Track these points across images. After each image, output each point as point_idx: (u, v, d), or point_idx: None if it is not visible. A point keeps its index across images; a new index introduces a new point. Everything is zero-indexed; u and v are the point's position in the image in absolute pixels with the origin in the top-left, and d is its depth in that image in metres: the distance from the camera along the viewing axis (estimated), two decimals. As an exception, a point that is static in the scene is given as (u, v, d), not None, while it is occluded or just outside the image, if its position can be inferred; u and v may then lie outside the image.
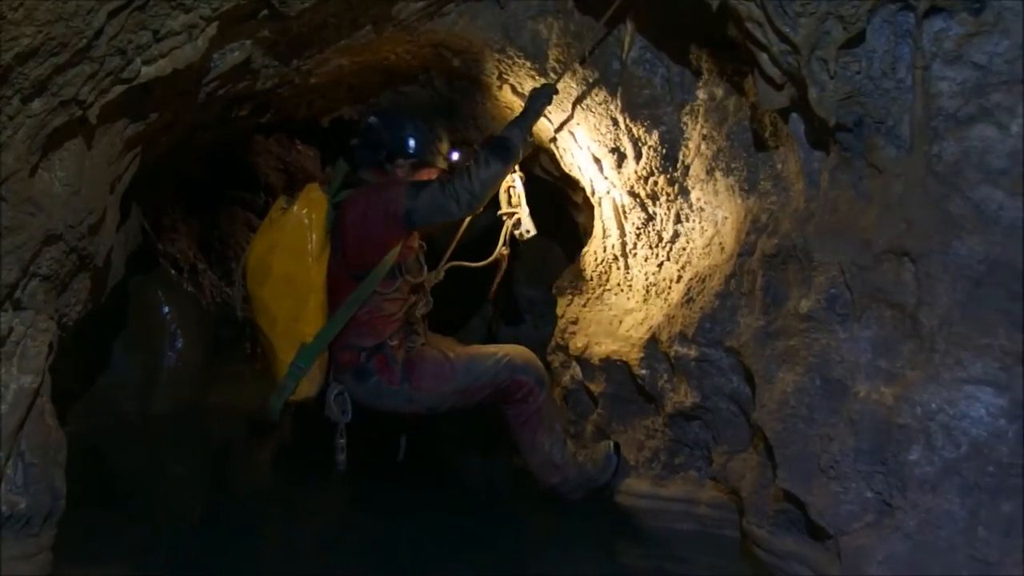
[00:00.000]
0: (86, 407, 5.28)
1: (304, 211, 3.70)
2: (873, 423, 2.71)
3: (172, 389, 5.94)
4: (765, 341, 3.16)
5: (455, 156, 4.12)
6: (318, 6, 3.23)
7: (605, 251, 4.26)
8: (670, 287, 3.80)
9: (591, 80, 3.83)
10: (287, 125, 5.34)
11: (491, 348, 4.07)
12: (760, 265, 3.23)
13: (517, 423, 3.94)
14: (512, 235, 4.18)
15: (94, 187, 3.13)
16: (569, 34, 3.75)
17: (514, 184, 4.10)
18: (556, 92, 3.82)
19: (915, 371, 2.64)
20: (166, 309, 6.01)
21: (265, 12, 3.15)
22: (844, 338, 2.85)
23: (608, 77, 3.75)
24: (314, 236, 3.69)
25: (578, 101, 3.96)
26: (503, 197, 4.12)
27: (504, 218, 4.17)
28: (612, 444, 3.92)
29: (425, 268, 3.98)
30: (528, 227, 4.11)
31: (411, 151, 3.90)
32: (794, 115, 3.06)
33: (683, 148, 3.68)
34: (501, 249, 4.19)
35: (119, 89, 2.88)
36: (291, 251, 3.68)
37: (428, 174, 3.90)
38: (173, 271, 6.29)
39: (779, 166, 3.28)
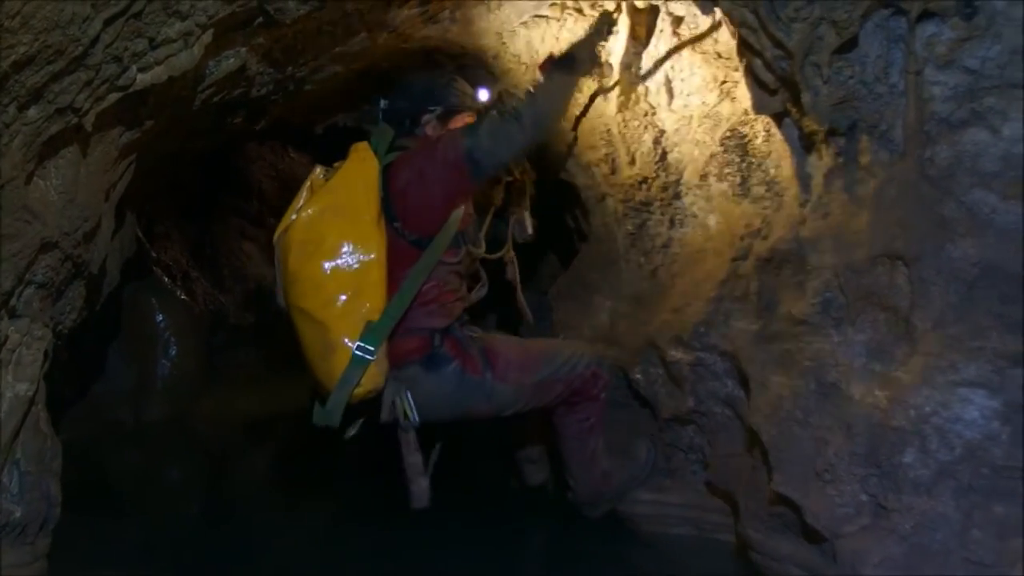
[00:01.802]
0: (80, 415, 5.27)
1: (357, 170, 3.19)
2: (868, 426, 2.72)
3: (166, 397, 5.94)
4: (760, 345, 3.17)
5: (483, 93, 3.70)
6: (313, 13, 3.24)
7: (600, 256, 4.27)
8: (664, 292, 3.81)
9: (585, 87, 3.84)
10: (281, 132, 5.35)
11: (559, 341, 3.76)
12: (754, 270, 3.24)
13: (583, 429, 3.54)
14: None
15: (89, 195, 3.13)
16: (561, 41, 3.76)
17: (522, 183, 3.74)
18: (615, 22, 3.50)
19: (909, 374, 2.66)
20: (160, 317, 6.01)
21: (260, 20, 3.16)
22: (838, 341, 2.87)
23: (603, 83, 3.76)
24: (371, 197, 3.12)
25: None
26: (511, 196, 3.73)
27: (509, 217, 3.77)
28: (648, 439, 3.73)
29: (483, 242, 3.49)
30: (528, 228, 3.75)
31: (430, 101, 3.44)
32: (787, 120, 3.08)
33: (676, 154, 3.70)
34: (508, 254, 3.75)
35: (115, 96, 2.88)
36: (348, 215, 3.10)
37: (461, 120, 3.45)
38: (167, 279, 6.29)
39: (772, 171, 3.30)
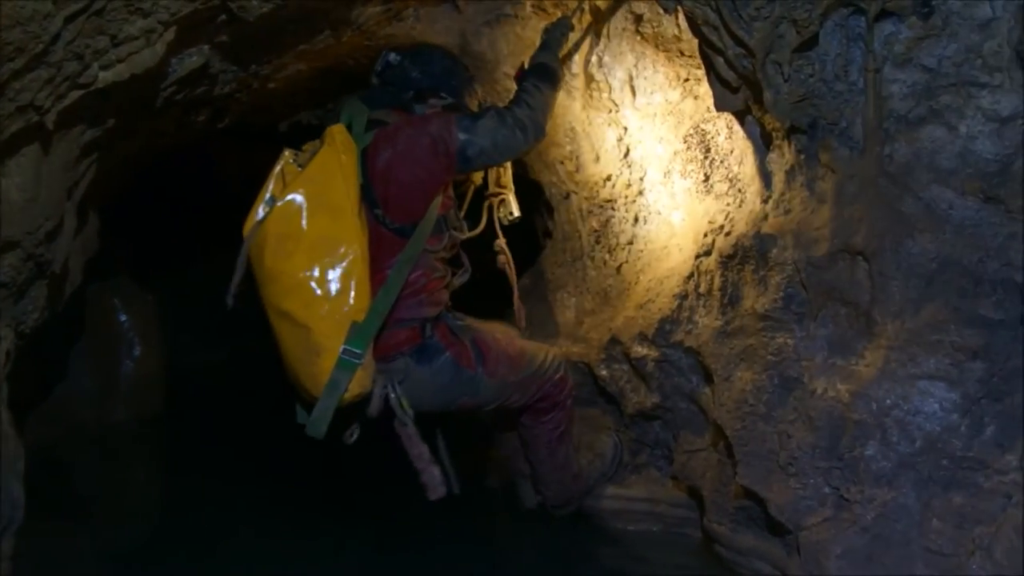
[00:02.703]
0: (43, 417, 5.20)
1: (334, 157, 2.93)
2: (830, 420, 2.76)
3: (130, 397, 5.88)
4: (723, 341, 3.20)
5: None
6: (276, 11, 3.23)
7: (565, 253, 4.28)
8: (629, 289, 3.83)
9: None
10: (246, 130, 5.32)
11: (536, 342, 3.59)
12: (717, 266, 3.27)
13: (554, 438, 3.45)
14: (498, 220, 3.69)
15: (52, 193, 3.10)
16: (524, 41, 3.77)
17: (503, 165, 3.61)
18: (572, 28, 3.47)
19: (870, 368, 2.70)
20: (123, 317, 5.95)
21: (223, 17, 3.15)
22: (801, 336, 2.90)
23: (567, 81, 3.77)
24: (350, 186, 2.91)
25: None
26: (491, 176, 3.61)
27: (491, 199, 3.65)
28: (614, 434, 3.70)
29: (465, 225, 3.34)
30: (513, 209, 3.63)
31: (447, 88, 3.26)
32: (749, 118, 3.11)
33: (640, 151, 3.72)
34: (499, 242, 3.65)
35: (76, 95, 2.85)
36: (327, 208, 2.88)
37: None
38: (130, 278, 6.23)
39: (735, 168, 3.32)
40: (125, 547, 3.90)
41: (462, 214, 3.44)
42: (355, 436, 3.09)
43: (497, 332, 3.37)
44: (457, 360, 3.12)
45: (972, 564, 2.44)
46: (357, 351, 2.85)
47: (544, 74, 3.27)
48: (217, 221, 7.89)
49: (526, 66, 3.37)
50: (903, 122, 2.68)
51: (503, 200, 3.62)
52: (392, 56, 3.24)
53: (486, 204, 3.64)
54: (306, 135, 4.02)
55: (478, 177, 3.56)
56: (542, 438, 3.46)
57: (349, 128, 3.05)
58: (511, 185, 3.63)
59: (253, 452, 5.25)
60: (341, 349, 2.84)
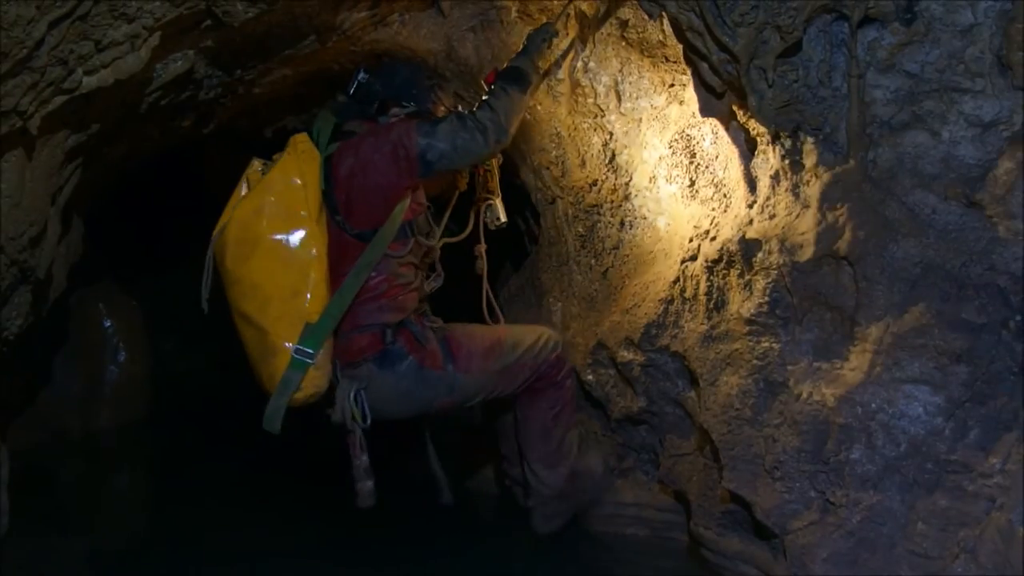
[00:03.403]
0: (27, 422, 5.19)
1: (294, 165, 3.03)
2: (815, 424, 2.76)
3: (115, 403, 5.87)
4: (709, 345, 3.21)
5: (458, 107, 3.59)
6: (261, 16, 3.23)
7: (551, 258, 4.28)
8: (615, 294, 3.83)
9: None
10: (231, 136, 5.31)
11: (524, 326, 3.56)
12: (703, 270, 3.27)
13: (548, 418, 3.37)
14: (484, 224, 3.70)
15: (35, 199, 3.09)
16: (509, 46, 3.77)
17: (490, 167, 3.65)
18: (556, 34, 3.48)
19: (855, 372, 2.70)
20: (108, 322, 5.94)
21: (208, 22, 3.15)
22: (786, 341, 2.91)
23: (552, 86, 3.78)
24: (310, 193, 2.99)
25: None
26: (478, 181, 3.65)
27: (479, 203, 3.68)
28: (601, 456, 3.61)
29: (436, 230, 3.35)
30: (500, 214, 3.65)
31: (407, 97, 3.29)
32: (734, 123, 3.12)
33: (626, 156, 3.72)
34: (479, 247, 3.67)
35: (60, 100, 2.85)
36: (284, 213, 2.96)
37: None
38: (115, 283, 6.21)
39: (720, 173, 3.33)
40: (110, 552, 3.89)
41: (445, 218, 3.47)
42: (372, 498, 3.14)
43: (476, 328, 3.37)
44: (420, 363, 3.11)
45: (957, 567, 2.44)
46: (309, 351, 2.92)
47: (514, 77, 3.29)
48: (202, 227, 7.90)
49: (498, 68, 3.40)
50: (886, 127, 2.70)
51: (490, 205, 3.64)
52: (362, 75, 3.30)
53: (472, 209, 3.66)
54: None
55: (463, 183, 3.57)
56: (536, 419, 3.40)
57: (317, 138, 3.13)
58: (498, 191, 3.65)
59: (238, 457, 5.24)
60: (293, 349, 2.92)
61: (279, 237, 2.95)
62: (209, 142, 5.16)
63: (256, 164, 3.13)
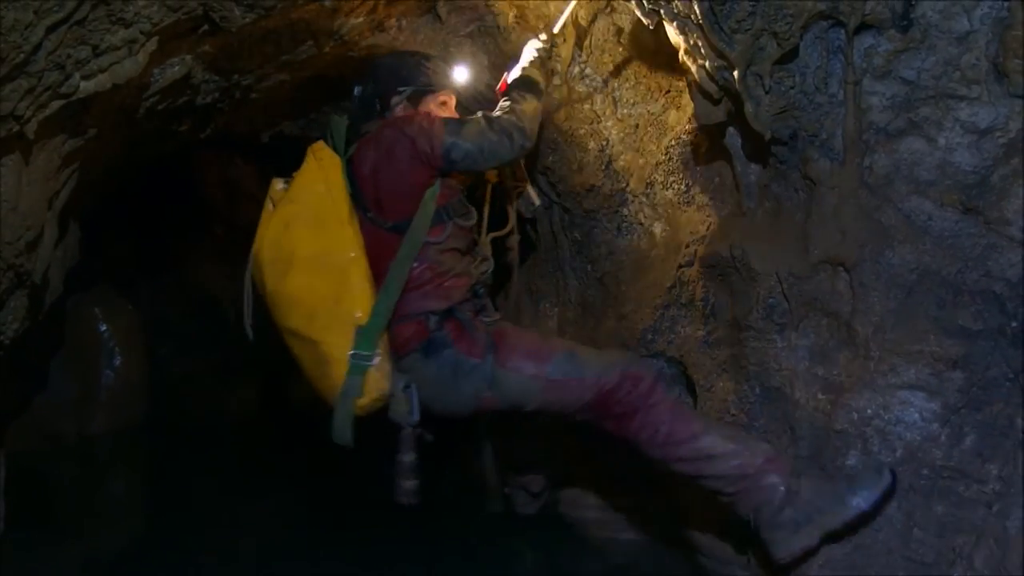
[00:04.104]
0: (23, 426, 5.18)
1: (317, 173, 3.02)
2: (812, 429, 2.77)
3: (110, 407, 5.86)
4: (706, 351, 3.21)
5: (460, 71, 3.57)
6: (258, 21, 3.23)
7: (547, 263, 4.29)
8: (611, 299, 3.84)
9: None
10: (228, 140, 5.31)
11: (594, 348, 3.23)
12: (699, 276, 3.28)
13: (657, 439, 2.92)
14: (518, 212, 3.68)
15: (32, 203, 3.09)
16: (506, 53, 3.78)
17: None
18: (555, 43, 3.47)
19: (851, 378, 2.71)
20: (104, 327, 5.93)
21: (205, 27, 3.15)
22: (782, 347, 2.91)
23: (549, 92, 3.78)
24: (336, 196, 2.97)
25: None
26: (506, 171, 3.62)
27: (510, 193, 3.65)
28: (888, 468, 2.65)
29: (474, 212, 3.25)
30: (534, 199, 3.62)
31: (398, 82, 3.25)
32: (731, 129, 3.12)
33: (622, 162, 3.73)
34: (513, 239, 3.61)
35: (57, 104, 2.85)
36: (313, 222, 2.94)
37: (434, 102, 3.28)
38: (111, 287, 6.21)
39: (716, 179, 3.34)
40: (105, 557, 3.89)
41: (486, 212, 3.46)
42: (414, 496, 3.02)
43: (534, 332, 3.28)
44: (460, 351, 2.99)
45: (954, 573, 2.45)
46: (365, 353, 2.85)
47: (528, 86, 3.28)
48: (198, 231, 7.93)
49: (508, 80, 3.39)
50: (883, 134, 2.70)
51: (521, 192, 3.62)
52: (357, 88, 3.31)
53: (507, 200, 3.66)
54: (288, 146, 4.03)
55: (493, 175, 3.54)
56: (655, 450, 2.95)
57: (333, 143, 3.11)
58: (526, 176, 3.62)
59: (234, 462, 5.24)
60: (350, 355, 2.85)
61: (312, 247, 2.92)
62: (204, 147, 5.16)
63: (277, 183, 3.10)
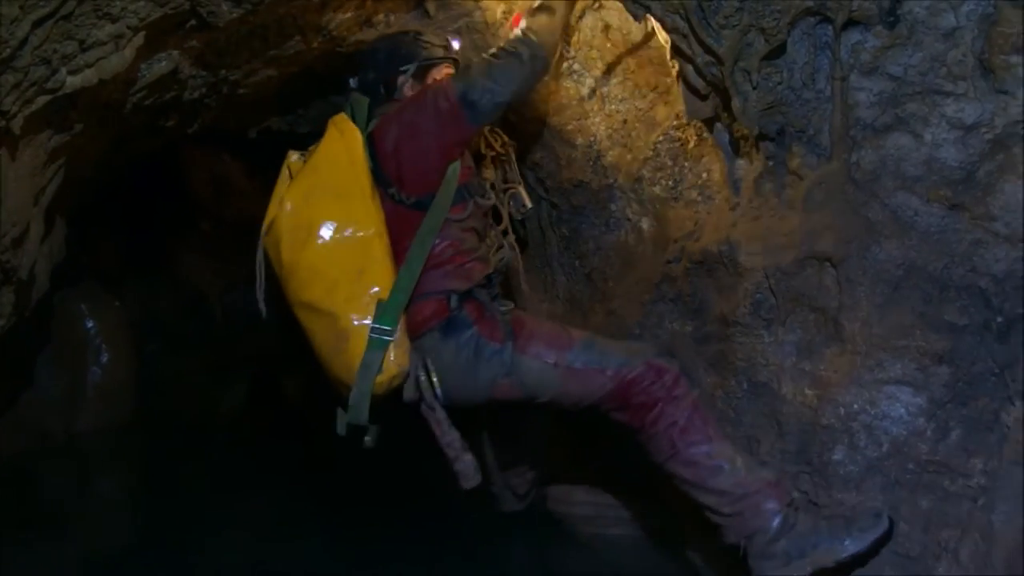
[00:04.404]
0: (9, 424, 5.16)
1: (338, 145, 2.96)
2: (798, 424, 2.78)
3: (98, 405, 5.83)
4: (694, 346, 3.22)
5: (456, 44, 3.46)
6: (246, 17, 3.22)
7: (535, 259, 4.29)
8: (599, 295, 3.84)
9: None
10: (215, 136, 5.29)
11: (615, 340, 3.17)
12: (687, 272, 3.28)
13: (671, 433, 2.84)
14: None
15: (18, 199, 3.08)
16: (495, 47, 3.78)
17: (507, 156, 3.51)
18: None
19: (838, 373, 2.72)
20: (90, 323, 5.90)
21: (193, 22, 3.14)
22: (769, 342, 2.92)
23: (537, 88, 3.78)
24: (358, 169, 2.91)
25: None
26: (498, 174, 3.49)
27: (500, 196, 3.46)
28: (887, 514, 2.58)
29: (491, 193, 3.25)
30: (525, 202, 3.50)
31: (400, 61, 3.20)
32: (718, 125, 3.13)
33: (610, 158, 3.73)
34: (509, 238, 3.44)
35: (44, 99, 2.84)
36: (336, 192, 2.88)
37: (439, 73, 3.23)
38: (97, 284, 6.18)
39: (704, 175, 3.34)
40: (94, 555, 3.87)
41: (507, 195, 3.39)
42: (372, 440, 2.96)
43: (548, 321, 3.24)
44: (480, 333, 2.93)
45: (939, 567, 2.46)
46: (386, 328, 2.80)
47: (541, 8, 3.16)
48: (186, 228, 7.91)
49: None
50: (869, 130, 2.71)
51: (513, 194, 3.52)
52: (352, 81, 3.25)
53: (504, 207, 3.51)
54: (276, 141, 4.03)
55: (488, 174, 3.43)
56: (663, 438, 2.87)
57: (354, 118, 3.05)
58: (519, 178, 3.54)
59: (224, 459, 5.23)
60: (369, 328, 2.80)
61: (334, 217, 2.85)
62: (192, 143, 5.15)
63: (293, 155, 3.04)
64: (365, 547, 3.78)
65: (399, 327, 2.82)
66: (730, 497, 2.75)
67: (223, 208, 7.94)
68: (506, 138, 3.50)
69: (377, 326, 2.79)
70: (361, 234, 2.85)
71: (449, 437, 2.90)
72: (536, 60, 3.04)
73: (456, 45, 3.42)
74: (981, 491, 2.44)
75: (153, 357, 6.69)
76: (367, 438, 2.96)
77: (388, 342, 2.79)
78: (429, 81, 3.18)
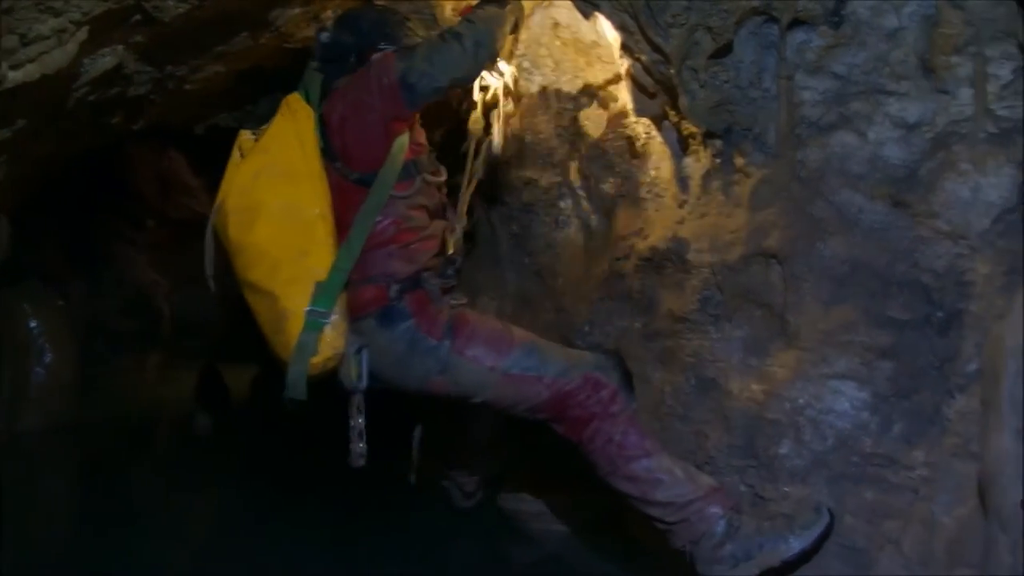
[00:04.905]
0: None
1: (289, 124, 2.95)
2: (745, 419, 2.80)
3: (42, 405, 5.75)
4: (642, 343, 3.23)
5: None
6: (192, 12, 3.19)
7: (485, 257, 4.29)
8: (549, 292, 3.85)
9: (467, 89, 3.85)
10: (162, 133, 5.24)
11: (559, 345, 3.17)
12: (636, 269, 3.30)
13: (610, 454, 2.87)
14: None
15: (-42, 196, 3.03)
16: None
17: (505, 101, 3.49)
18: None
19: (784, 368, 2.74)
20: (33, 323, 5.81)
21: (138, 17, 3.10)
22: (717, 338, 2.94)
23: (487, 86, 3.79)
24: (308, 149, 2.90)
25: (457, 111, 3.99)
26: (478, 123, 3.49)
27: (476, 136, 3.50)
28: (826, 507, 2.60)
29: (444, 171, 3.19)
30: (496, 149, 3.51)
31: (381, 38, 3.12)
32: (666, 123, 3.15)
33: (560, 155, 3.74)
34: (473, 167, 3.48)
35: (-16, 95, 2.79)
36: (284, 174, 2.86)
37: None
38: (41, 283, 6.09)
39: (652, 172, 3.36)
40: (37, 557, 3.81)
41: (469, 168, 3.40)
42: (363, 459, 2.93)
43: (497, 321, 3.16)
44: (418, 327, 2.91)
45: (883, 558, 2.49)
46: (322, 310, 2.78)
47: (493, 2, 3.14)
48: (131, 225, 7.80)
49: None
50: (815, 128, 2.74)
51: (491, 139, 3.55)
52: (323, 35, 3.16)
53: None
54: (223, 138, 3.98)
55: (477, 128, 3.44)
56: (600, 457, 2.91)
57: (307, 96, 3.02)
58: (503, 125, 3.53)
59: (170, 458, 5.18)
60: (306, 310, 2.77)
61: (281, 198, 2.84)
62: (138, 140, 5.09)
63: (245, 133, 3.02)
64: (313, 542, 3.76)
65: (336, 309, 2.81)
66: (673, 507, 2.77)
67: (169, 206, 7.85)
68: (512, 86, 3.50)
69: (313, 308, 2.77)
70: (306, 216, 2.83)
71: (354, 422, 2.91)
72: (480, 48, 2.99)
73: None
74: (923, 482, 2.48)
75: (98, 356, 6.60)
76: (360, 456, 2.94)
77: (324, 324, 2.78)
78: None
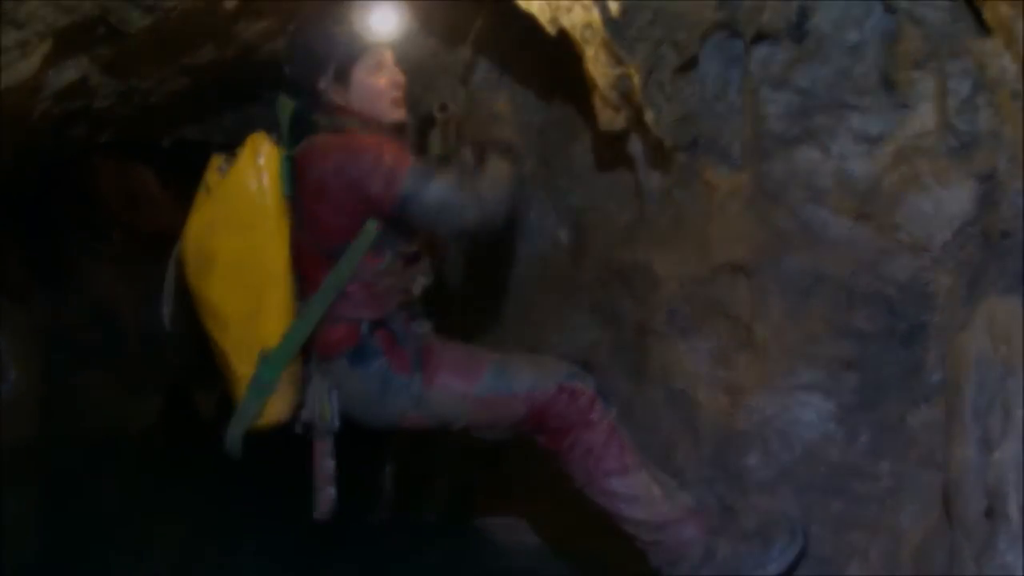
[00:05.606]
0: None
1: (250, 171, 2.66)
2: (714, 430, 2.82)
3: (4, 421, 5.67)
4: (611, 355, 3.24)
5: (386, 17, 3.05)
6: (157, 25, 3.17)
7: (449, 273, 4.28)
8: (517, 306, 3.85)
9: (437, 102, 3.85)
10: (127, 146, 5.21)
11: (531, 356, 3.02)
12: (603, 282, 3.31)
13: (588, 466, 2.74)
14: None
15: (-81, 210, 2.99)
16: (411, 61, 3.76)
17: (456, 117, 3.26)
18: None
19: (751, 380, 2.76)
20: (-5, 338, 5.76)
21: (102, 30, 3.08)
22: (684, 350, 2.95)
23: (454, 99, 3.78)
24: (268, 203, 2.66)
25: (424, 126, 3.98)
26: (435, 140, 3.25)
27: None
28: (800, 528, 2.61)
29: (416, 239, 2.81)
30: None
31: (317, 63, 2.75)
32: (633, 136, 3.16)
33: (527, 168, 3.74)
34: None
35: (-54, 108, 2.77)
36: (238, 226, 2.65)
37: (366, 71, 2.78)
38: (3, 297, 6.02)
39: (620, 185, 3.37)
40: (1, 576, 3.76)
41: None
42: (331, 506, 2.76)
43: (462, 346, 2.92)
44: (389, 365, 2.71)
45: (850, 568, 2.51)
46: (266, 379, 2.66)
47: (506, 163, 2.88)
48: (96, 239, 7.73)
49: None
50: (779, 142, 2.76)
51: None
52: (286, 68, 2.86)
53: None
54: (190, 151, 3.98)
55: (435, 146, 3.24)
56: (577, 470, 2.79)
57: (280, 128, 2.77)
58: (465, 144, 3.16)
59: (136, 476, 5.13)
60: (252, 377, 2.66)
61: (234, 253, 2.66)
62: (103, 152, 5.05)
63: (216, 162, 2.72)
64: (278, 562, 3.74)
65: (284, 378, 2.68)
66: (648, 526, 2.70)
67: (135, 218, 7.79)
68: (456, 103, 3.30)
69: (257, 376, 2.66)
70: (259, 275, 2.67)
71: (324, 464, 2.76)
72: (483, 224, 2.74)
73: (390, 23, 3.07)
74: (888, 493, 2.50)
75: (62, 371, 6.53)
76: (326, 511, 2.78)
77: (266, 394, 2.68)
78: (354, 83, 2.77)
